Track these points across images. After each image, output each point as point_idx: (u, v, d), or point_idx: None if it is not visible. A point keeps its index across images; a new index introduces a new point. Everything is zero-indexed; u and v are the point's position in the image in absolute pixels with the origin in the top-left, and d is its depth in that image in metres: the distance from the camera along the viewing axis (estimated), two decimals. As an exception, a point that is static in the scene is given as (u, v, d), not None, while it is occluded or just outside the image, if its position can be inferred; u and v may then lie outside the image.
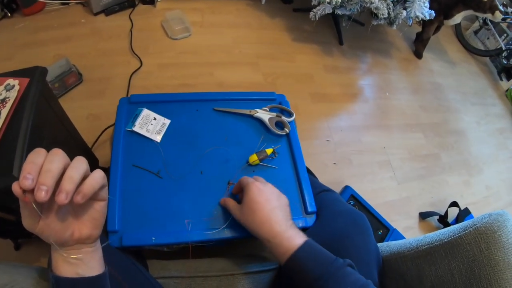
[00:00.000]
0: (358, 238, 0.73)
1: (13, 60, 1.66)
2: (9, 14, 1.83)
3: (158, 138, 0.90)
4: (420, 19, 1.82)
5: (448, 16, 2.02)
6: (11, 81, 0.74)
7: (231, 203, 0.75)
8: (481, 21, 2.53)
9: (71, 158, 0.42)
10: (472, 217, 1.58)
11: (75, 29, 1.85)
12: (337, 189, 1.53)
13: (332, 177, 1.58)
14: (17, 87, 0.73)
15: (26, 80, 0.75)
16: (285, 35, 2.12)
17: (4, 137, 0.68)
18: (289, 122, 0.99)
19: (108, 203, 0.50)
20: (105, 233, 0.72)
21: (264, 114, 0.98)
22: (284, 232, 0.63)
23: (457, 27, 2.63)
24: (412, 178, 1.71)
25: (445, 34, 2.58)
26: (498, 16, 1.86)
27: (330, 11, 1.76)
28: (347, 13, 1.81)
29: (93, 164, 1.26)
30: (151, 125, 0.92)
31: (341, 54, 2.12)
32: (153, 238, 0.73)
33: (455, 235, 0.68)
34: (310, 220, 0.83)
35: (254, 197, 0.68)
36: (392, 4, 1.76)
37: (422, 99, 2.09)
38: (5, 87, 0.74)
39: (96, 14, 1.92)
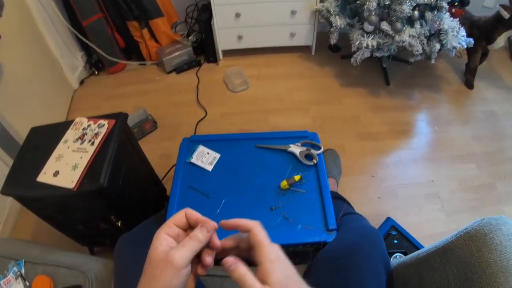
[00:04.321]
0: (365, 246, 0.84)
1: (100, 109, 2.09)
2: (96, 72, 2.36)
3: (209, 168, 1.14)
4: (458, 48, 1.87)
5: (491, 40, 2.02)
6: (102, 121, 1.09)
7: (250, 277, 0.47)
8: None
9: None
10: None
11: (151, 85, 2.28)
12: (380, 221, 1.59)
13: (375, 210, 1.66)
14: (106, 126, 1.07)
15: (112, 121, 1.08)
16: (334, 81, 2.32)
17: (95, 158, 1.00)
18: (317, 155, 1.15)
19: None
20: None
21: (295, 148, 1.17)
22: None
23: (511, 49, 2.58)
24: (463, 209, 1.69)
25: (498, 59, 2.54)
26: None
27: (369, 55, 1.93)
28: (386, 54, 1.96)
29: (162, 192, 1.54)
30: (205, 157, 1.16)
31: (388, 94, 2.24)
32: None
33: (447, 240, 0.74)
34: (330, 236, 0.97)
35: (284, 273, 0.49)
36: (426, 39, 1.86)
37: (474, 129, 2.07)
38: (98, 125, 1.08)
39: (168, 72, 2.34)
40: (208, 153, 1.18)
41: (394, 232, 1.52)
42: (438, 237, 1.52)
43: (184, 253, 0.46)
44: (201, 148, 1.19)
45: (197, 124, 2.00)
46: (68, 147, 1.03)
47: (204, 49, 2.39)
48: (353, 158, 1.87)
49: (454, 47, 1.87)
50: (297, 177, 1.08)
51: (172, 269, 0.45)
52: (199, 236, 0.48)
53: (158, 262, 0.45)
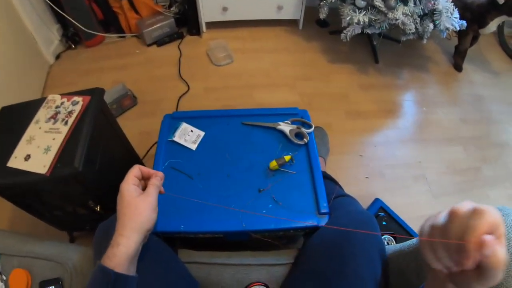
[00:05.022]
0: (361, 233, 0.81)
1: (77, 85, 1.95)
2: (73, 46, 2.20)
3: (193, 147, 1.06)
4: (451, 30, 1.82)
5: (483, 24, 1.98)
6: (76, 98, 0.98)
7: None
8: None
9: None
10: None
11: (131, 58, 2.15)
12: (368, 201, 1.57)
13: (363, 191, 1.63)
14: (80, 103, 0.96)
15: (88, 98, 0.97)
16: (321, 57, 2.24)
17: (69, 139, 0.90)
18: (308, 133, 1.09)
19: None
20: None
21: (285, 126, 1.10)
22: None
23: (500, 35, 2.54)
24: (449, 192, 1.69)
25: (486, 44, 2.52)
26: (534, 19, 1.78)
27: (360, 31, 1.86)
28: (377, 31, 1.89)
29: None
30: (188, 136, 1.08)
31: (377, 72, 2.19)
32: (182, 226, 0.87)
33: (448, 230, 0.72)
34: (323, 220, 0.92)
35: None
36: (419, 19, 1.80)
37: (462, 112, 2.06)
38: (72, 102, 0.97)
39: (149, 45, 2.21)
40: (191, 131, 1.10)
41: (382, 214, 1.50)
42: (425, 219, 1.54)
43: (154, 195, 0.69)
44: (184, 126, 1.11)
45: (179, 100, 1.90)
46: (40, 128, 0.93)
47: (187, 21, 2.27)
48: (341, 136, 1.82)
49: (447, 28, 1.82)
50: (287, 157, 1.02)
51: (151, 206, 0.67)
52: (157, 183, 0.71)
53: (139, 203, 0.66)
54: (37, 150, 0.88)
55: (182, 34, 2.28)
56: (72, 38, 2.18)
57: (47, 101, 0.99)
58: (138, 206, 0.65)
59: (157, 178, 0.72)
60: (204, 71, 2.09)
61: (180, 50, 2.19)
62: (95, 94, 1.00)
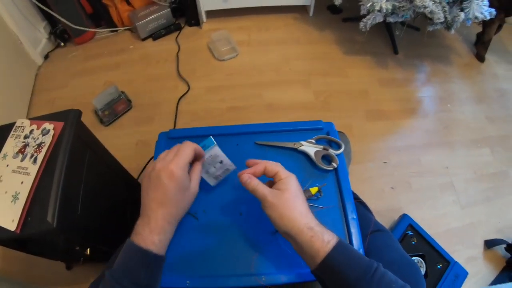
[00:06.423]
0: None
1: (67, 87, 1.78)
2: (62, 44, 1.99)
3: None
4: (480, 19, 1.64)
5: (510, 12, 1.82)
6: (47, 125, 0.76)
7: (262, 185, 0.64)
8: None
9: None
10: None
11: (124, 55, 1.94)
12: (394, 216, 1.42)
13: (389, 203, 1.47)
14: (51, 132, 0.75)
15: (60, 124, 0.76)
16: (336, 48, 2.04)
17: (39, 183, 0.70)
18: (337, 155, 0.91)
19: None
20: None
21: (309, 147, 0.92)
22: (318, 225, 0.61)
23: None
24: (477, 201, 1.53)
25: (508, 32, 2.28)
26: None
27: (382, 20, 1.65)
28: (400, 20, 1.69)
29: (137, 192, 1.27)
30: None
31: (397, 65, 1.99)
32: (188, 282, 0.70)
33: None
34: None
35: (298, 188, 0.65)
36: (448, 6, 1.60)
37: (487, 108, 1.87)
38: (42, 131, 0.76)
39: (143, 39, 2.00)
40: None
41: (410, 233, 1.35)
42: (453, 233, 1.42)
43: (198, 186, 0.70)
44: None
45: (178, 102, 1.70)
46: (7, 166, 0.73)
47: (185, 10, 2.06)
48: (363, 141, 1.64)
49: (476, 17, 1.63)
50: (313, 190, 0.83)
51: (195, 198, 0.70)
52: (201, 172, 0.74)
53: (189, 196, 0.67)
54: (4, 197, 0.69)
55: (180, 26, 2.07)
56: (61, 35, 1.98)
57: (15, 128, 0.79)
58: (188, 198, 0.65)
59: (201, 167, 0.72)
60: (206, 68, 1.88)
61: (178, 44, 1.98)
62: (69, 118, 0.79)
